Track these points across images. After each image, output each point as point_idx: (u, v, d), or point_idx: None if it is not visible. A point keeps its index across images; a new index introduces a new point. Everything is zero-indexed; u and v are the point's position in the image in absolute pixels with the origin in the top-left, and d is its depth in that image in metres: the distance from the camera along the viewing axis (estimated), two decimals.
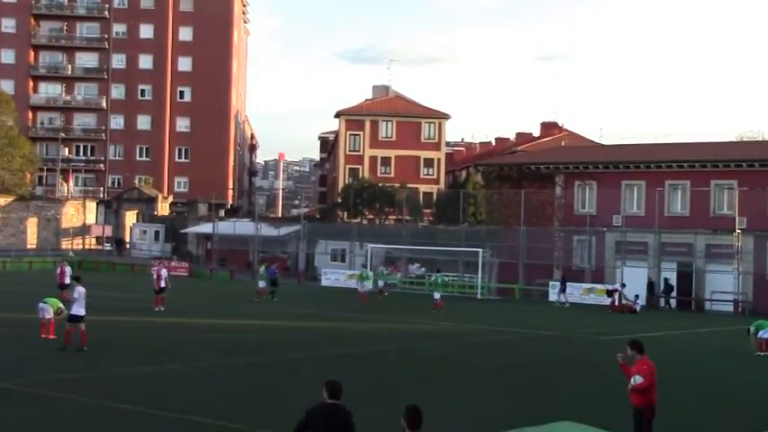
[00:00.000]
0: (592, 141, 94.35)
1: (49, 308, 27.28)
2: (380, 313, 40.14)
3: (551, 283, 54.91)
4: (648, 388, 13.51)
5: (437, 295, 43.67)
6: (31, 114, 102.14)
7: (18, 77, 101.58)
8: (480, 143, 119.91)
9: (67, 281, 40.53)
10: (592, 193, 58.99)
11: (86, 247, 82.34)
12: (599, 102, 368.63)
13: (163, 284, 38.40)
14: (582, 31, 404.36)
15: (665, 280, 52.92)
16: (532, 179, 61.50)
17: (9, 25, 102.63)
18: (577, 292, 53.31)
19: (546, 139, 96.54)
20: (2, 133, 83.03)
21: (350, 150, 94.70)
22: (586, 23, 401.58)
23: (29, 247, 79.78)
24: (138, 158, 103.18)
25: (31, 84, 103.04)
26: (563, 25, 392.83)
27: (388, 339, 31.09)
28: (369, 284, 45.69)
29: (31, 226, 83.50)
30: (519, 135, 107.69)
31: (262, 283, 47.00)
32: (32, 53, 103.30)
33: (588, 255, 57.05)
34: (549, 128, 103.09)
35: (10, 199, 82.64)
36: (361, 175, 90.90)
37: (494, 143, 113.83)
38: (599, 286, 53.63)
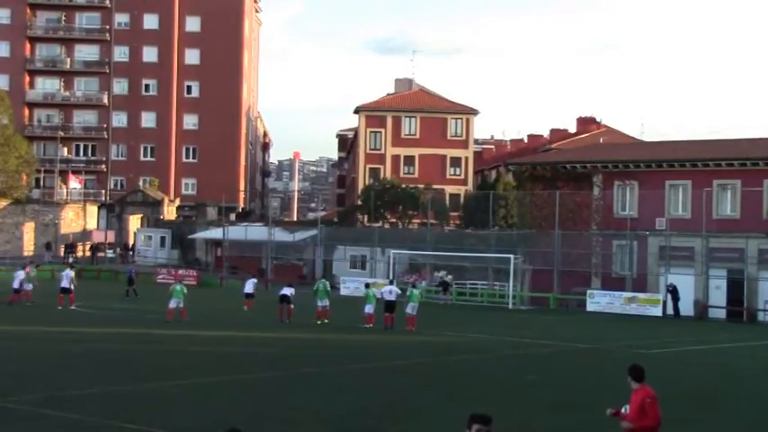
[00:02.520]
0: (632, 138, 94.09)
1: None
2: (388, 327, 39.70)
3: (589, 291, 54.76)
4: (650, 428, 12.26)
5: (411, 309, 39.01)
6: (27, 111, 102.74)
7: (13, 72, 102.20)
8: (511, 140, 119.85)
9: (65, 284, 42.28)
10: (633, 194, 58.74)
11: (85, 254, 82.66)
12: (640, 96, 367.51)
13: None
14: (623, 21, 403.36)
15: (668, 286, 52.20)
16: (568, 179, 61.33)
17: (3, 16, 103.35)
18: (618, 302, 53.09)
19: (583, 136, 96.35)
20: None
21: (370, 149, 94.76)
22: (628, 14, 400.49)
23: (25, 254, 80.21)
24: (142, 158, 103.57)
25: (27, 79, 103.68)
26: (600, 15, 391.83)
27: (413, 352, 31.05)
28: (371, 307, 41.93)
29: (28, 231, 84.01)
30: (553, 131, 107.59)
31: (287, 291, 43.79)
32: (28, 46, 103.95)
33: (629, 261, 56.81)
34: (586, 123, 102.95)
35: (5, 202, 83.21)
36: (382, 175, 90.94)
37: (526, 140, 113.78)
38: (641, 295, 53.40)
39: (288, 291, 41.65)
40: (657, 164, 58.25)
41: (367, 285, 43.75)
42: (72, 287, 43.95)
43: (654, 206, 56.81)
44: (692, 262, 54.08)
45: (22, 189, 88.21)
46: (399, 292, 40.64)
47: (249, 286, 46.71)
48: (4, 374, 23.35)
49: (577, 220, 59.41)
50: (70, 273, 44.90)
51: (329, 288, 41.58)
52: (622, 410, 12.53)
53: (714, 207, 55.16)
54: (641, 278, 56.18)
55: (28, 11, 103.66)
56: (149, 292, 52.54)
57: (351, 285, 61.10)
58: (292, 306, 41.04)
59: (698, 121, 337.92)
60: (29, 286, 46.10)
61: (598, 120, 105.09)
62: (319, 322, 39.66)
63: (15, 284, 45.07)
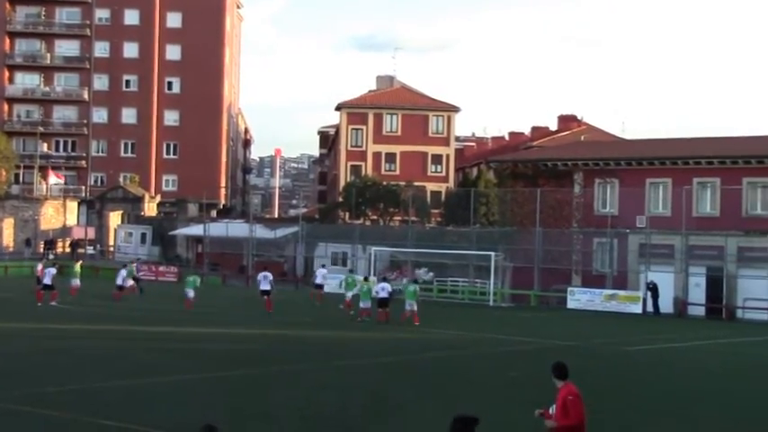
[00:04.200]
0: (613, 136, 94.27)
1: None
2: (382, 322, 40.02)
3: (569, 289, 54.88)
4: (573, 427, 11.94)
5: (366, 304, 41.07)
6: (6, 107, 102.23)
7: None
8: (492, 138, 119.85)
9: (48, 280, 42.32)
10: (613, 191, 58.89)
11: (64, 250, 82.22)
12: (621, 95, 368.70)
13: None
14: (605, 19, 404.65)
15: (648, 284, 52.33)
16: (549, 177, 61.43)
17: None
18: (598, 299, 53.24)
19: (564, 134, 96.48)
20: None
21: (352, 146, 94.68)
22: (609, 11, 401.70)
23: (5, 250, 79.70)
24: (122, 155, 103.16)
25: (7, 74, 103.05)
26: (582, 9, 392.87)
27: (391, 350, 31.02)
28: (352, 293, 44.37)
29: (8, 227, 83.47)
30: (534, 129, 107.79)
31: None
32: (8, 41, 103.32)
33: (609, 258, 56.94)
34: (567, 121, 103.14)
35: None
36: (363, 172, 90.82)
37: (507, 138, 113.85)
38: (621, 292, 53.57)
39: (266, 284, 43.23)
40: (638, 162, 58.40)
41: (365, 278, 45.88)
42: (53, 284, 43.84)
43: (634, 204, 56.96)
44: (672, 260, 54.27)
45: (1, 185, 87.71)
46: (391, 289, 41.67)
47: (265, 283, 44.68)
48: None
49: (558, 218, 59.49)
50: (53, 270, 44.69)
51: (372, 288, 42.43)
52: (549, 411, 12.28)
53: (694, 205, 55.35)
54: (621, 275, 56.32)
55: (7, 6, 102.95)
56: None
57: (332, 282, 60.78)
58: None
59: (678, 119, 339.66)
60: (129, 282, 48.83)
61: (579, 118, 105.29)
62: (360, 320, 40.44)
63: (119, 281, 45.39)
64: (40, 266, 47.38)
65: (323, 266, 56.14)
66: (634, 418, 19.91)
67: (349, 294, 44.55)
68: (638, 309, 51.76)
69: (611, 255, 56.80)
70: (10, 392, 20.00)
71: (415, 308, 39.73)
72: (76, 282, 49.08)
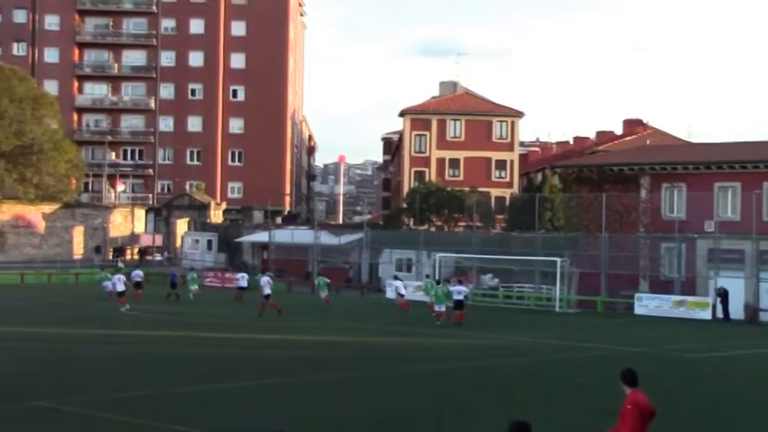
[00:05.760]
0: (680, 140, 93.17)
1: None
2: (449, 328, 40.03)
3: (637, 294, 54.30)
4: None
5: (441, 307, 42.74)
6: (75, 116, 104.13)
7: (62, 78, 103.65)
8: (557, 143, 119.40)
9: (121, 287, 45.06)
10: (681, 196, 58.15)
11: (133, 257, 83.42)
12: (688, 98, 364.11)
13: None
14: (672, 22, 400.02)
15: (718, 289, 51.43)
16: (615, 181, 60.84)
17: (53, 22, 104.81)
18: (666, 305, 52.59)
19: (629, 138, 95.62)
20: (47, 137, 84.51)
21: (415, 152, 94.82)
22: (677, 15, 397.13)
23: (75, 257, 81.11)
24: (188, 162, 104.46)
25: (76, 84, 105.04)
26: (648, 13, 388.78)
27: (457, 355, 30.96)
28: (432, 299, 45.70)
29: (78, 235, 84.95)
30: (600, 134, 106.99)
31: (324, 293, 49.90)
32: (77, 51, 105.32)
33: (677, 264, 56.21)
34: (632, 125, 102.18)
35: (55, 206, 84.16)
36: (427, 178, 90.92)
37: (572, 143, 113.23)
38: (690, 298, 52.84)
39: (268, 289, 44.66)
40: (706, 165, 57.59)
41: (437, 282, 47.10)
42: (125, 290, 45.15)
43: (702, 208, 56.18)
44: (742, 265, 53.36)
45: (71, 193, 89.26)
46: (467, 291, 44.45)
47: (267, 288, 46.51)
48: (54, 376, 23.66)
49: (624, 223, 58.91)
50: (122, 276, 45.97)
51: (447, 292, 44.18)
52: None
53: (764, 209, 54.41)
54: (690, 281, 55.54)
55: (77, 17, 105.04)
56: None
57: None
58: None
59: (746, 124, 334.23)
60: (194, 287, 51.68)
61: (645, 122, 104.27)
62: (439, 323, 41.81)
63: (266, 291, 44.49)
64: (107, 283, 49.29)
65: (397, 278, 55.89)
66: (702, 427, 19.65)
67: (429, 299, 45.97)
68: (707, 315, 50.98)
69: (680, 260, 56.04)
70: (84, 397, 20.37)
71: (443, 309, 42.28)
72: (195, 287, 53.62)
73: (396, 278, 56.15)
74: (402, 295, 51.83)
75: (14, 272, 70.39)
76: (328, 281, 53.80)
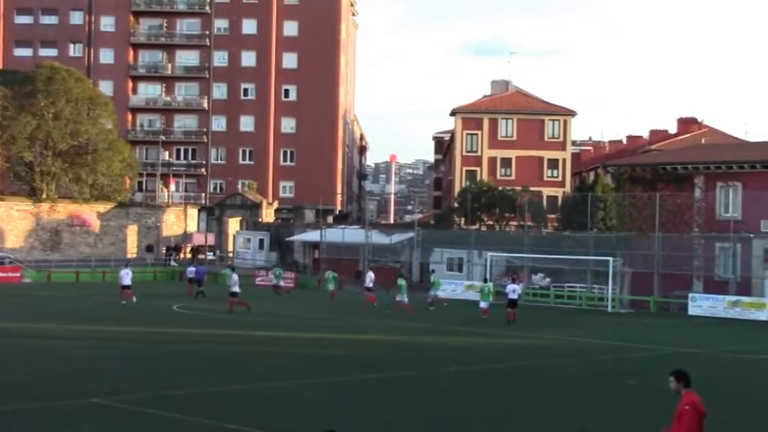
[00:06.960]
0: (735, 139, 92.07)
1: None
2: (500, 328, 39.96)
3: (691, 295, 53.77)
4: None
5: (484, 304, 45.02)
6: (130, 116, 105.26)
7: (117, 78, 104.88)
8: (610, 142, 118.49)
9: (127, 281, 47.57)
10: (736, 195, 57.48)
11: (185, 256, 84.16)
12: (744, 96, 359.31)
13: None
14: (727, 21, 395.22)
15: None
16: (668, 181, 60.33)
17: (108, 23, 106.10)
18: (721, 306, 52.00)
19: (683, 137, 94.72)
20: (101, 137, 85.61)
21: (467, 151, 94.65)
22: (730, 14, 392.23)
23: (129, 256, 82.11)
24: (240, 162, 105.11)
25: (131, 84, 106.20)
26: (700, 14, 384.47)
27: (506, 356, 30.92)
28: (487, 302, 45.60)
29: (131, 234, 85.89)
30: (653, 132, 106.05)
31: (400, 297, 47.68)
32: (131, 52, 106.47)
33: (732, 264, 55.57)
34: (686, 124, 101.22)
35: (110, 206, 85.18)
36: (479, 177, 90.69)
37: (625, 141, 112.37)
38: (745, 299, 52.20)
39: (236, 287, 44.52)
40: (762, 164, 56.85)
41: (485, 280, 49.17)
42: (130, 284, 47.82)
43: (758, 208, 55.47)
44: None
45: (125, 192, 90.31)
46: (521, 290, 45.98)
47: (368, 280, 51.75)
48: (110, 374, 23.99)
49: (678, 223, 58.37)
50: (129, 271, 48.64)
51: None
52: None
53: None
54: (745, 281, 54.87)
55: (131, 18, 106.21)
56: (247, 294, 53.24)
57: (448, 288, 60.83)
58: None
59: None
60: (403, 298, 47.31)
61: (700, 120, 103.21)
62: (484, 317, 43.74)
63: (234, 288, 44.59)
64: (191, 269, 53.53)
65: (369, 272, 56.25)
66: (758, 429, 19.43)
67: (483, 304, 45.53)
68: (763, 316, 50.34)
69: (735, 260, 55.38)
70: (136, 395, 20.64)
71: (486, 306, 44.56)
72: (332, 287, 56.24)
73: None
74: (370, 289, 51.60)
75: (70, 270, 71.54)
76: (337, 275, 57.82)
